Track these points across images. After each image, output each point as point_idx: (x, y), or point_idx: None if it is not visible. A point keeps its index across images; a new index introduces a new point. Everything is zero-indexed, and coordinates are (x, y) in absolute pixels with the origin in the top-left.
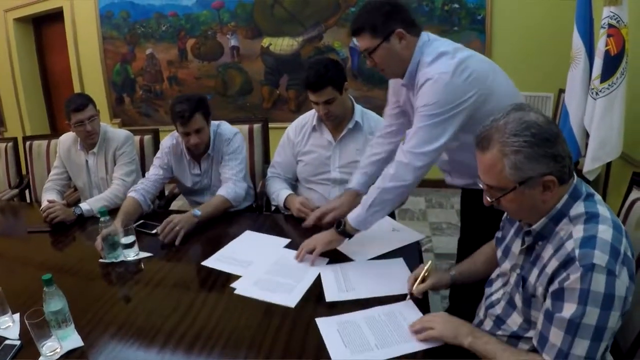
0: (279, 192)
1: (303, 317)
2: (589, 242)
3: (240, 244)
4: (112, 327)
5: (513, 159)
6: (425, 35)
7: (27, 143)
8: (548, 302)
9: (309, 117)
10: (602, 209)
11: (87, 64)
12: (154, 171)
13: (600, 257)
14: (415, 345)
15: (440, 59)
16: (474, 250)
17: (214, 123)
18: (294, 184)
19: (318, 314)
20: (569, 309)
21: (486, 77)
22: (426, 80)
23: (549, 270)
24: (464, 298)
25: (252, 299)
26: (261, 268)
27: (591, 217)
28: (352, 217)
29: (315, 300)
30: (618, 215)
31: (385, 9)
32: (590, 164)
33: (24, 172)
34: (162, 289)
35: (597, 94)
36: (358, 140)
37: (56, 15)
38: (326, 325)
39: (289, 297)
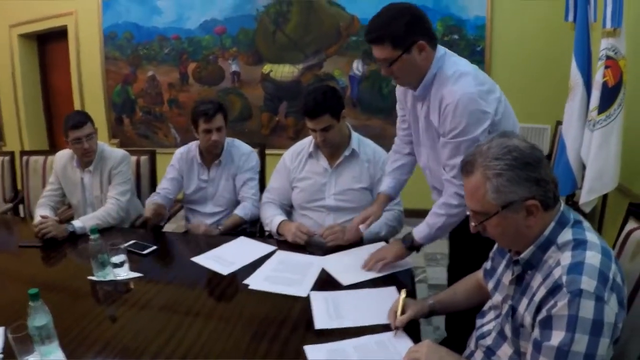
0: (273, 218)
1: (292, 343)
2: (576, 268)
3: (231, 247)
4: (97, 346)
5: (495, 182)
6: (442, 49)
7: (24, 158)
8: (536, 332)
9: (306, 143)
10: (590, 235)
11: (89, 83)
12: (164, 185)
13: (588, 283)
14: None
15: (463, 79)
16: (463, 275)
17: (227, 139)
18: (288, 209)
19: (307, 341)
20: (557, 337)
21: (500, 101)
22: (452, 101)
23: (537, 298)
24: (461, 329)
25: (243, 318)
26: (268, 266)
27: (579, 244)
28: (419, 235)
29: (304, 327)
30: (614, 246)
31: (407, 19)
32: (587, 196)
33: (19, 186)
34: (150, 309)
35: (594, 125)
36: (354, 168)
37: (60, 34)
38: (315, 353)
39: (300, 288)
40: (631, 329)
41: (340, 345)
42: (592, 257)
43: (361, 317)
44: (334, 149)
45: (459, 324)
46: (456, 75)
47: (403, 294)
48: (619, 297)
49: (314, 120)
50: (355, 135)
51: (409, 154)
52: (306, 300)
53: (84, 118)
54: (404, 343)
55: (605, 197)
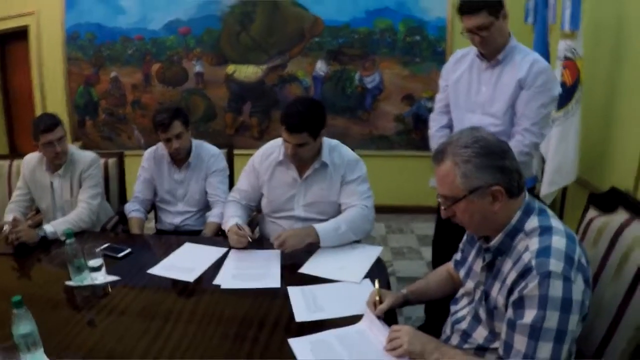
0: (228, 219)
1: (275, 338)
2: (544, 252)
3: (182, 254)
4: (81, 352)
5: (463, 168)
6: None
7: None
8: (510, 312)
9: (276, 147)
10: (555, 222)
11: (50, 85)
12: (139, 188)
13: (555, 265)
14: None
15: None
16: (448, 251)
17: (195, 140)
18: (252, 208)
19: (289, 335)
20: (529, 315)
21: None
22: (545, 65)
23: (509, 281)
24: (438, 315)
25: (223, 319)
26: (229, 266)
27: (545, 230)
28: None
29: (285, 321)
30: (576, 233)
31: None
32: (547, 188)
33: None
34: (132, 312)
35: (553, 121)
36: (324, 179)
37: (21, 34)
38: (300, 346)
39: (270, 280)
40: (596, 310)
41: (323, 336)
42: (558, 242)
43: (339, 309)
44: (303, 162)
45: (437, 311)
46: (533, 51)
47: (377, 284)
48: (585, 277)
49: (291, 134)
50: (326, 146)
51: (446, 125)
52: (283, 295)
53: (55, 121)
54: (384, 331)
55: (564, 189)
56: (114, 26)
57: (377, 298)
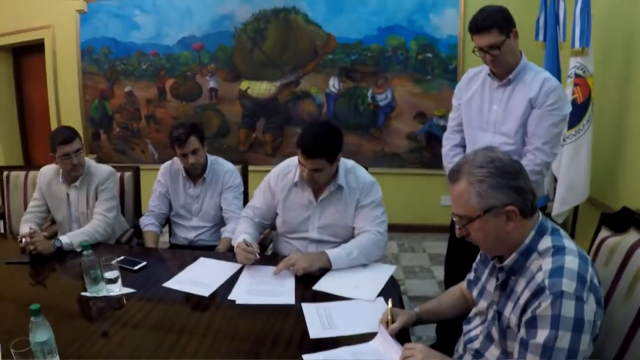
0: (239, 236)
1: (289, 355)
2: (557, 272)
3: (197, 269)
4: None
5: (478, 188)
6: None
7: (5, 173)
8: (522, 332)
9: (292, 167)
10: (568, 242)
11: (66, 98)
12: (155, 202)
13: (568, 285)
14: None
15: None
16: (461, 270)
17: (210, 156)
18: (265, 226)
19: (304, 351)
20: (542, 335)
21: None
22: (556, 84)
23: (522, 301)
24: (450, 334)
25: (237, 335)
26: (244, 281)
27: (558, 250)
28: None
29: (299, 338)
30: (588, 253)
31: (505, 14)
32: (559, 208)
33: None
34: (145, 325)
35: (564, 140)
36: (339, 202)
37: (37, 47)
38: None
39: (286, 297)
40: (607, 330)
41: (337, 353)
42: (571, 262)
43: (353, 326)
44: (319, 185)
45: (449, 330)
46: (544, 70)
47: (389, 304)
48: (597, 297)
49: (308, 159)
50: (342, 167)
51: (462, 138)
52: (297, 311)
53: (72, 133)
54: (397, 349)
55: (576, 208)
56: (128, 41)
57: (390, 317)
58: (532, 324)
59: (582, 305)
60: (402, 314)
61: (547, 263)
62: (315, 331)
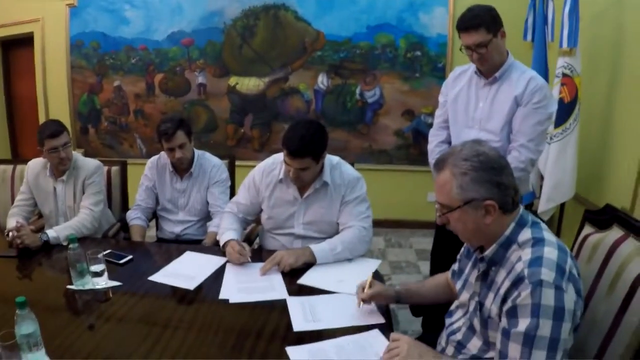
0: (224, 232)
1: (273, 347)
2: (536, 262)
3: (182, 262)
4: (81, 355)
5: (460, 180)
6: None
7: None
8: (504, 321)
9: (277, 164)
10: (547, 234)
11: (54, 92)
12: (142, 196)
13: (547, 274)
14: None
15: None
16: (446, 265)
17: (197, 151)
18: (249, 222)
19: (288, 344)
20: (523, 323)
21: None
22: (542, 82)
23: (502, 291)
24: (435, 328)
25: (222, 328)
26: (230, 278)
27: (537, 241)
28: None
29: (284, 330)
30: (571, 250)
31: (493, 13)
32: (545, 205)
33: None
34: (131, 319)
35: (551, 138)
36: (324, 198)
37: (26, 40)
38: (297, 354)
39: (277, 293)
40: (589, 326)
41: (320, 346)
42: (550, 252)
43: (336, 320)
44: (305, 183)
45: (434, 324)
46: (530, 69)
47: (371, 273)
48: (576, 288)
49: (294, 160)
50: (327, 164)
51: (448, 135)
52: (281, 305)
53: (60, 127)
54: (380, 342)
55: (562, 206)
56: (118, 36)
57: (368, 285)
58: (513, 314)
59: (562, 294)
60: (380, 285)
61: (526, 253)
62: (299, 324)
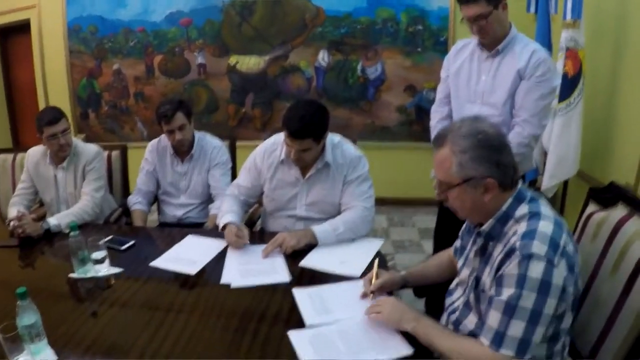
0: (224, 216)
1: (276, 330)
2: (529, 234)
3: (184, 247)
4: (84, 343)
5: (459, 157)
6: None
7: None
8: (492, 290)
9: (278, 144)
10: (545, 209)
11: (53, 78)
12: (143, 180)
13: (538, 247)
14: (386, 355)
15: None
16: (449, 243)
17: (198, 132)
18: (250, 204)
19: (290, 325)
20: (506, 292)
21: None
22: (545, 55)
23: (496, 263)
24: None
25: (224, 312)
26: (232, 262)
27: (534, 215)
28: None
29: (287, 313)
30: (575, 228)
31: None
32: (548, 182)
33: None
34: (134, 304)
35: (555, 113)
36: (326, 179)
37: (23, 27)
38: (299, 338)
39: (280, 276)
40: (593, 305)
41: (323, 330)
42: (545, 226)
43: (347, 310)
44: (306, 164)
45: (438, 304)
46: (534, 42)
47: (376, 264)
48: (569, 263)
49: (295, 141)
50: (329, 143)
51: (450, 110)
52: (284, 288)
53: (58, 114)
54: (384, 326)
55: (566, 182)
56: (115, 18)
57: (374, 275)
58: (499, 282)
59: (552, 269)
60: (387, 273)
61: (522, 227)
62: (310, 318)
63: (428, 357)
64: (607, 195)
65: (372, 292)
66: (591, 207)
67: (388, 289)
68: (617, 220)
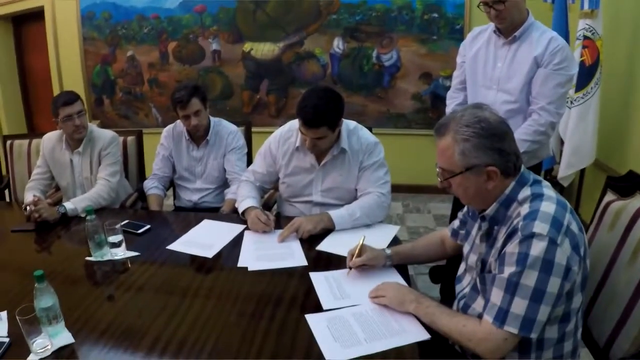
0: (243, 200)
1: (292, 314)
2: (532, 215)
3: (200, 230)
4: (101, 326)
5: (462, 146)
6: None
7: (8, 142)
8: (495, 269)
9: (294, 131)
10: (548, 191)
11: (67, 65)
12: (158, 165)
13: (541, 227)
14: (403, 340)
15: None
16: None
17: (213, 118)
18: (266, 190)
19: (307, 310)
20: (508, 270)
21: None
22: (563, 43)
23: (499, 244)
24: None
25: (241, 296)
26: (248, 246)
27: (536, 197)
28: None
29: (302, 297)
30: (592, 217)
31: None
32: (565, 171)
33: (3, 172)
34: (150, 288)
35: (572, 102)
36: (342, 166)
37: (37, 15)
38: (316, 322)
39: (297, 260)
40: (611, 294)
41: (339, 313)
42: (547, 207)
43: (365, 295)
44: (321, 151)
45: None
46: (551, 30)
47: (361, 240)
48: (573, 243)
49: (309, 129)
50: (344, 129)
51: (462, 102)
52: (300, 272)
53: (74, 95)
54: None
55: (582, 171)
56: (129, 5)
57: (358, 251)
58: (501, 261)
59: (555, 247)
60: (371, 251)
61: (525, 209)
62: (328, 302)
63: (444, 342)
64: (625, 184)
65: (351, 268)
66: (609, 196)
67: (371, 267)
68: (636, 209)
